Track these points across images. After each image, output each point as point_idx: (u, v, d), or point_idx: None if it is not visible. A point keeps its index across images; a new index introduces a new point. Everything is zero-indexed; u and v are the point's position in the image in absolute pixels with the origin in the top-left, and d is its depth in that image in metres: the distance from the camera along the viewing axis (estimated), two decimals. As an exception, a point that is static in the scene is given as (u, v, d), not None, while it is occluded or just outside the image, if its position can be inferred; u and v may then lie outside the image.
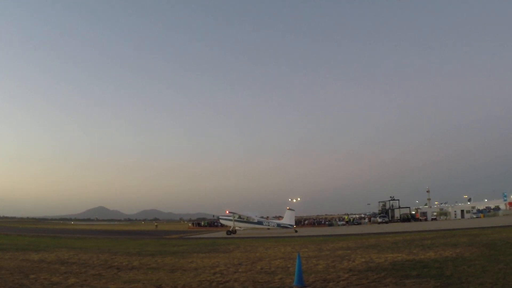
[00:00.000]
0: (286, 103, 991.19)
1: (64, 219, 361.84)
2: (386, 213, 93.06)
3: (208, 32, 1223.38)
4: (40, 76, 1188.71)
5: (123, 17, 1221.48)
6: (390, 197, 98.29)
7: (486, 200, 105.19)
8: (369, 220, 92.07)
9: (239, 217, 52.91)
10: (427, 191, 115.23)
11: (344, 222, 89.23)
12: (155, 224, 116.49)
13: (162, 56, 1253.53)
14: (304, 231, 55.73)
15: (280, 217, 62.76)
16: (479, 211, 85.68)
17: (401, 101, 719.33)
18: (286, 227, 52.54)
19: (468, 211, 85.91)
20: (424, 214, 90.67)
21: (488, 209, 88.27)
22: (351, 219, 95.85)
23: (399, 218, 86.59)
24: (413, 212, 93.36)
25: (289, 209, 54.90)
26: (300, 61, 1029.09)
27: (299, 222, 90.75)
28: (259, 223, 53.85)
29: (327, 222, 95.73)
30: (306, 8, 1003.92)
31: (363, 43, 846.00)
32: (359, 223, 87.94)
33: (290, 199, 63.15)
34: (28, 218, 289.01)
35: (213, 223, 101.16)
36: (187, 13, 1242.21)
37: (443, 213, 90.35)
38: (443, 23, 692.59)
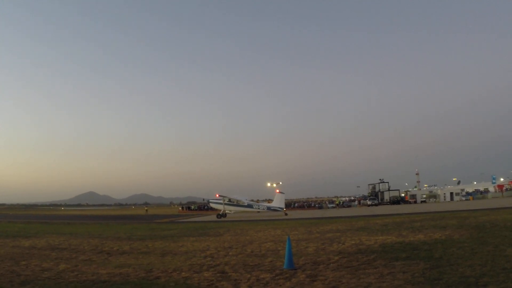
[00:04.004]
0: (272, 89, 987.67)
1: (54, 205, 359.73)
2: (375, 195, 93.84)
3: (195, 19, 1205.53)
4: (24, 62, 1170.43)
5: (108, 5, 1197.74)
6: (380, 179, 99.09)
7: (475, 182, 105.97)
8: (359, 203, 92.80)
9: (229, 200, 52.87)
10: (417, 174, 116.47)
11: (334, 205, 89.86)
12: (145, 208, 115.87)
13: (147, 43, 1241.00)
14: (294, 214, 56.12)
15: (270, 200, 62.82)
16: (468, 193, 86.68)
17: (390, 84, 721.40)
18: (276, 210, 52.71)
19: (457, 194, 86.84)
20: (413, 196, 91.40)
21: (477, 191, 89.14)
22: (341, 201, 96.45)
23: (388, 200, 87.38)
24: (403, 195, 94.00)
25: (279, 192, 54.99)
26: (282, 47, 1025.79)
27: (289, 205, 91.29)
28: (249, 206, 53.95)
29: (317, 205, 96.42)
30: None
31: (347, 29, 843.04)
32: (349, 206, 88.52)
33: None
34: (18, 204, 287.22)
35: (203, 207, 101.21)
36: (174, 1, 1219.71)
37: (433, 196, 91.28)
38: (427, 8, 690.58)
